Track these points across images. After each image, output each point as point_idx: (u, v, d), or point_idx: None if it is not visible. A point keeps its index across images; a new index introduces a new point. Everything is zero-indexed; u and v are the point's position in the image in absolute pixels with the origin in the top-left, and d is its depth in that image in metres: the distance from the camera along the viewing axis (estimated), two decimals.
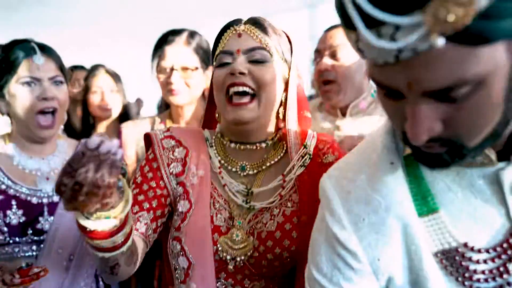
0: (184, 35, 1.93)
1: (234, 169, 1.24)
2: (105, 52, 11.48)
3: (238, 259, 1.16)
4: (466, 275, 0.75)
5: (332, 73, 1.78)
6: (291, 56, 1.25)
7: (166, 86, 1.90)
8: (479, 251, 0.74)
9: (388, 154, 0.82)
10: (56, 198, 1.56)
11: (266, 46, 1.18)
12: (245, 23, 1.21)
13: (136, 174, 1.24)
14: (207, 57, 1.95)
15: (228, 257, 1.16)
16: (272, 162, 1.23)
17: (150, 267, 2.10)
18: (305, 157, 1.22)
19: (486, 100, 0.63)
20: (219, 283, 1.18)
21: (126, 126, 2.07)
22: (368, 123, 1.84)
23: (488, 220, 0.74)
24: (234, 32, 1.19)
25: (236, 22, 1.22)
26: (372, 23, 0.59)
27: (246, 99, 1.16)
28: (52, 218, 1.53)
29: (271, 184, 1.20)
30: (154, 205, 1.19)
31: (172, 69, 1.88)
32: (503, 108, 0.65)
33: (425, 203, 0.78)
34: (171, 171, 1.22)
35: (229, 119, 1.18)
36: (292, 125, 1.24)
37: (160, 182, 1.21)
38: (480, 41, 0.58)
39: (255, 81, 1.16)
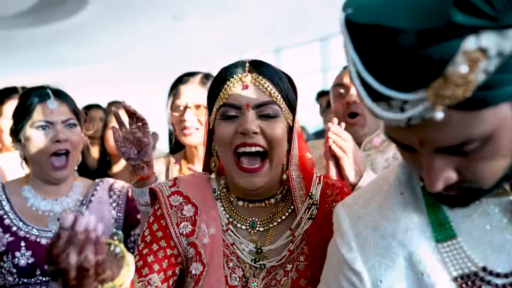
0: (199, 76, 1.98)
1: (243, 227, 1.17)
2: (121, 87, 11.70)
3: None
4: None
5: (360, 106, 1.82)
6: (296, 100, 1.18)
7: (180, 124, 1.92)
8: (497, 275, 0.76)
9: (399, 185, 0.87)
10: None
11: (276, 99, 1.11)
12: (249, 70, 1.12)
13: (144, 230, 1.19)
14: None
15: None
16: (283, 217, 1.17)
17: None
18: (312, 208, 1.16)
19: (496, 151, 0.67)
20: None
21: None
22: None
23: (506, 247, 0.77)
24: (239, 82, 1.11)
25: (239, 68, 1.13)
26: (381, 97, 0.64)
27: (257, 163, 1.10)
28: None
29: (280, 240, 1.15)
30: (164, 266, 1.13)
31: (186, 107, 1.91)
32: None
33: (443, 229, 0.81)
34: (181, 231, 1.15)
35: (240, 185, 1.12)
36: (295, 173, 1.17)
37: (170, 242, 1.15)
38: (482, 106, 0.62)
39: (267, 139, 1.10)
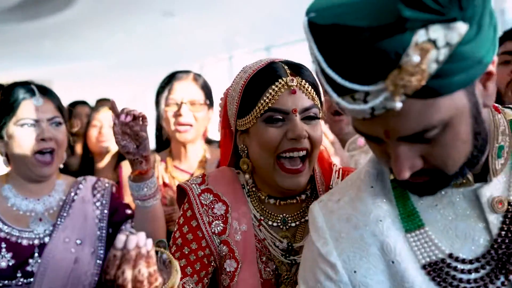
0: (191, 74, 2.01)
1: (275, 224, 1.19)
2: (113, 85, 11.62)
3: None
4: (454, 283, 0.81)
5: None
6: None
7: (175, 119, 1.91)
8: (463, 261, 0.81)
9: (369, 179, 0.92)
10: (47, 239, 1.54)
11: (317, 102, 1.14)
12: (292, 74, 1.12)
13: (175, 231, 1.20)
14: (211, 97, 2.01)
15: None
16: None
17: None
18: None
19: (456, 137, 0.73)
20: None
21: (126, 164, 2.05)
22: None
23: (470, 234, 0.82)
24: (286, 87, 1.10)
25: (280, 71, 1.12)
26: (345, 91, 0.70)
27: (299, 164, 1.12)
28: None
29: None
30: (197, 268, 1.16)
31: (181, 103, 1.91)
32: (473, 141, 0.75)
33: (411, 220, 0.86)
34: (213, 230, 1.17)
35: (283, 186, 1.13)
36: (317, 167, 1.21)
37: (202, 242, 1.17)
38: (437, 94, 0.68)
39: (311, 142, 1.12)
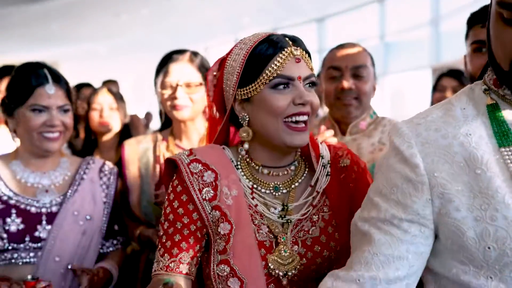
0: (187, 53, 2.00)
1: (267, 191, 1.26)
2: (118, 67, 11.65)
3: (290, 273, 1.19)
4: None
5: (353, 92, 1.89)
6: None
7: (171, 102, 1.94)
8: None
9: (460, 102, 0.98)
10: (54, 209, 1.67)
11: (313, 71, 1.24)
12: (296, 45, 1.21)
13: (165, 207, 1.24)
14: None
15: (281, 273, 1.19)
16: (302, 178, 1.29)
17: (135, 262, 2.13)
18: (326, 166, 1.29)
19: None
20: None
21: (128, 144, 2.11)
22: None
23: None
24: (291, 56, 1.19)
25: (283, 42, 1.21)
26: None
27: (303, 124, 1.20)
28: (49, 227, 1.64)
29: (302, 196, 1.26)
30: (191, 242, 1.20)
31: (177, 85, 1.93)
32: None
33: (505, 137, 0.91)
34: (204, 197, 1.21)
35: (292, 143, 1.21)
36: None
37: (193, 215, 1.21)
38: None
39: (312, 107, 1.21)
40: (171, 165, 1.28)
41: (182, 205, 1.22)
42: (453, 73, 3.00)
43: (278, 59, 1.18)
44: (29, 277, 1.44)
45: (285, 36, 1.24)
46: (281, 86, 1.18)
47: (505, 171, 0.88)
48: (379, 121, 1.98)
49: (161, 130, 2.15)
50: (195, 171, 1.22)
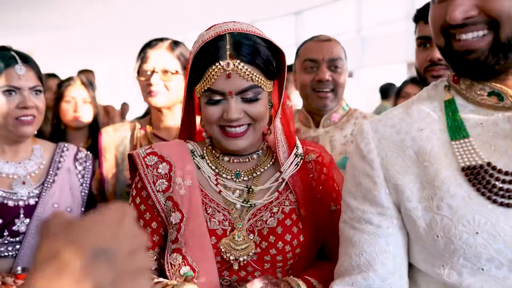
0: (168, 41, 1.98)
1: (228, 177, 1.28)
2: (93, 56, 11.43)
3: (241, 258, 1.20)
4: (490, 188, 0.89)
5: (330, 83, 1.93)
6: (284, 68, 1.25)
7: (146, 88, 1.92)
8: (499, 171, 0.90)
9: (419, 99, 1.04)
10: (32, 201, 1.61)
11: (258, 82, 1.17)
12: (231, 56, 1.14)
13: (130, 204, 1.26)
14: None
15: (232, 257, 1.20)
16: (266, 167, 1.30)
17: None
18: (298, 157, 1.30)
19: None
20: (223, 281, 1.23)
21: (105, 131, 2.08)
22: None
23: (507, 151, 0.91)
24: (222, 71, 1.14)
25: (221, 51, 1.15)
26: None
27: (241, 130, 1.20)
28: (28, 220, 1.58)
29: (268, 182, 1.27)
30: (156, 240, 1.25)
31: (153, 72, 1.90)
32: None
33: (457, 131, 0.95)
34: (157, 188, 1.24)
35: (227, 148, 1.23)
36: (278, 124, 1.29)
37: (154, 210, 1.24)
38: None
39: (251, 117, 1.20)
40: (132, 160, 1.29)
41: (143, 202, 1.25)
42: (417, 81, 3.07)
43: (209, 72, 1.16)
44: (19, 269, 1.42)
45: (234, 40, 1.16)
46: (214, 100, 1.18)
47: (453, 163, 0.93)
48: (351, 113, 2.05)
49: (141, 118, 2.13)
50: (150, 163, 1.25)
